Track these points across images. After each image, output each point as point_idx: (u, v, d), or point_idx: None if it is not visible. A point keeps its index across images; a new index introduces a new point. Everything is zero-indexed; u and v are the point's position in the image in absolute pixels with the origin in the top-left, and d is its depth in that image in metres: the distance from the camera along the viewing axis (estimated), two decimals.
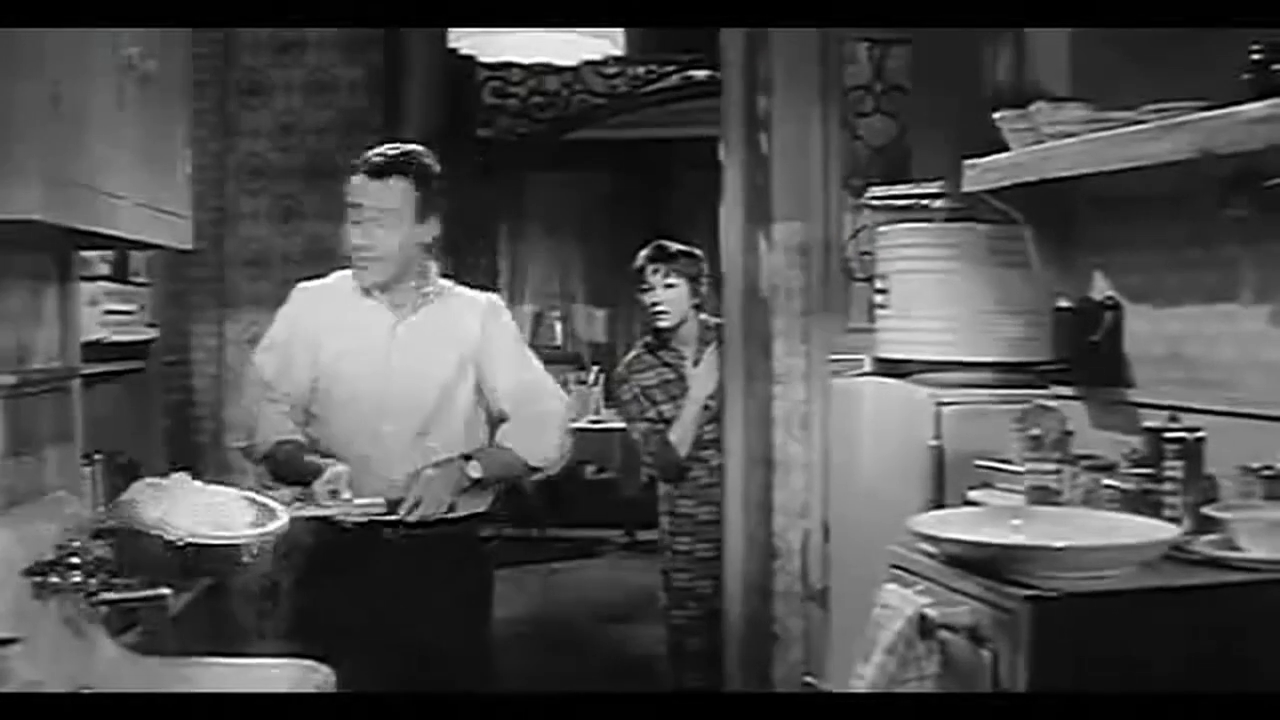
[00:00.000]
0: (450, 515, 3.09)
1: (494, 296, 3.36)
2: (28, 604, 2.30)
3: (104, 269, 3.67)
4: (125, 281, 3.88)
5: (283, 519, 2.71)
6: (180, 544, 2.57)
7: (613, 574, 8.25)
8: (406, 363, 3.14)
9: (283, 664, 2.64)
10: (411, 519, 3.00)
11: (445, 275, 3.33)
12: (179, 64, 2.68)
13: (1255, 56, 2.37)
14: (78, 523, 2.59)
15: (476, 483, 3.10)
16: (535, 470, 3.29)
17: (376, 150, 3.16)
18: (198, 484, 2.68)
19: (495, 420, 3.25)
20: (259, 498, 2.76)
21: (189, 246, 2.77)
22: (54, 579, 2.35)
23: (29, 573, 2.31)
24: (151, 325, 4.16)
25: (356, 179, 3.12)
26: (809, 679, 4.40)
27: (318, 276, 3.33)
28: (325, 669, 2.59)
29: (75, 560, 2.39)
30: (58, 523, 2.49)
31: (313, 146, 4.67)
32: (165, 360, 4.44)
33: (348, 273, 3.23)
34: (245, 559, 2.65)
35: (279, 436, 3.14)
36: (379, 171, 3.10)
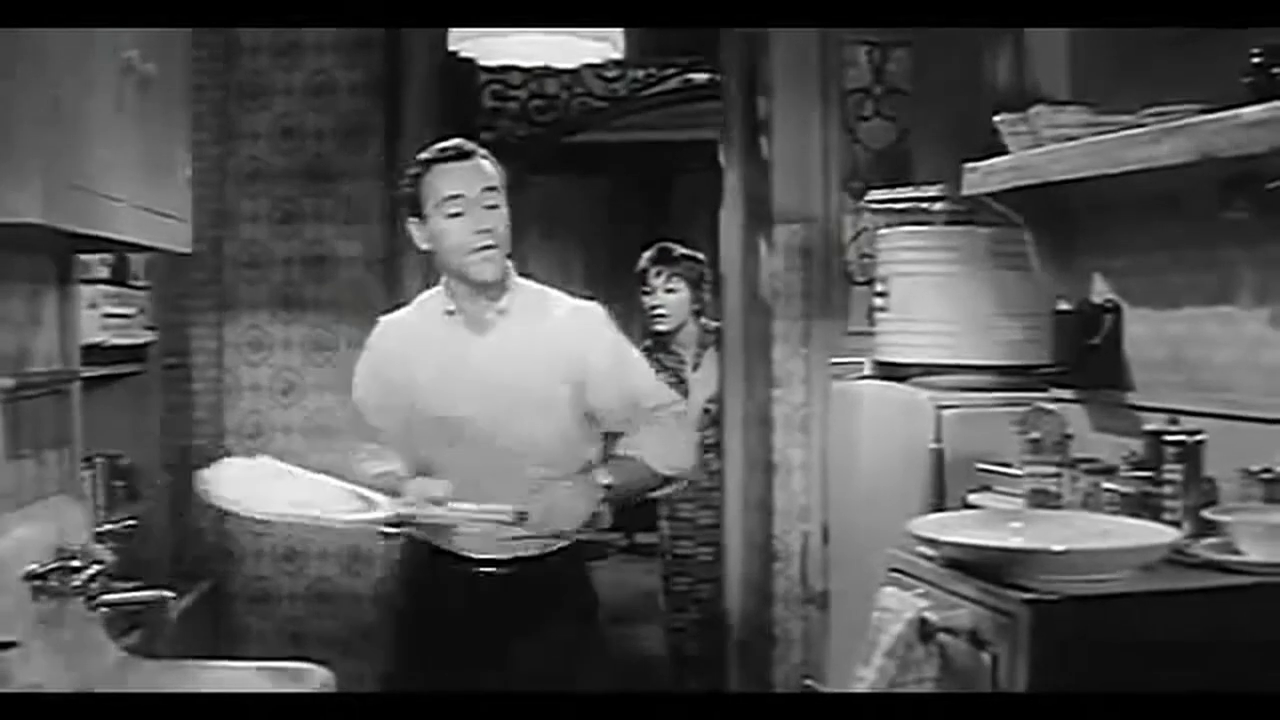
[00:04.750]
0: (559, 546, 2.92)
1: (591, 305, 3.08)
2: (28, 607, 2.29)
3: (103, 272, 3.66)
4: (125, 284, 3.87)
5: (384, 512, 2.63)
6: (258, 519, 2.53)
7: (613, 577, 8.22)
8: (491, 384, 2.89)
9: (282, 667, 2.64)
10: (544, 533, 2.75)
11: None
12: (179, 67, 2.68)
13: (1255, 60, 2.37)
14: (78, 526, 2.60)
15: (608, 493, 2.84)
16: (668, 480, 3.02)
17: (440, 145, 2.95)
18: (286, 467, 2.63)
19: (607, 436, 3.02)
20: (360, 489, 2.68)
21: (188, 249, 2.77)
22: (54, 583, 2.35)
23: (29, 576, 2.31)
24: (151, 328, 4.16)
25: (438, 172, 2.89)
26: (808, 682, 4.40)
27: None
28: (325, 671, 2.59)
29: (76, 564, 2.39)
30: (58, 526, 2.49)
31: (312, 149, 4.67)
32: (165, 363, 4.43)
33: (427, 295, 3.05)
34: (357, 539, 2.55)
35: (376, 469, 2.90)
36: (464, 153, 2.91)
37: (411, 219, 2.96)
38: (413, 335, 3.01)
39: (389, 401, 2.99)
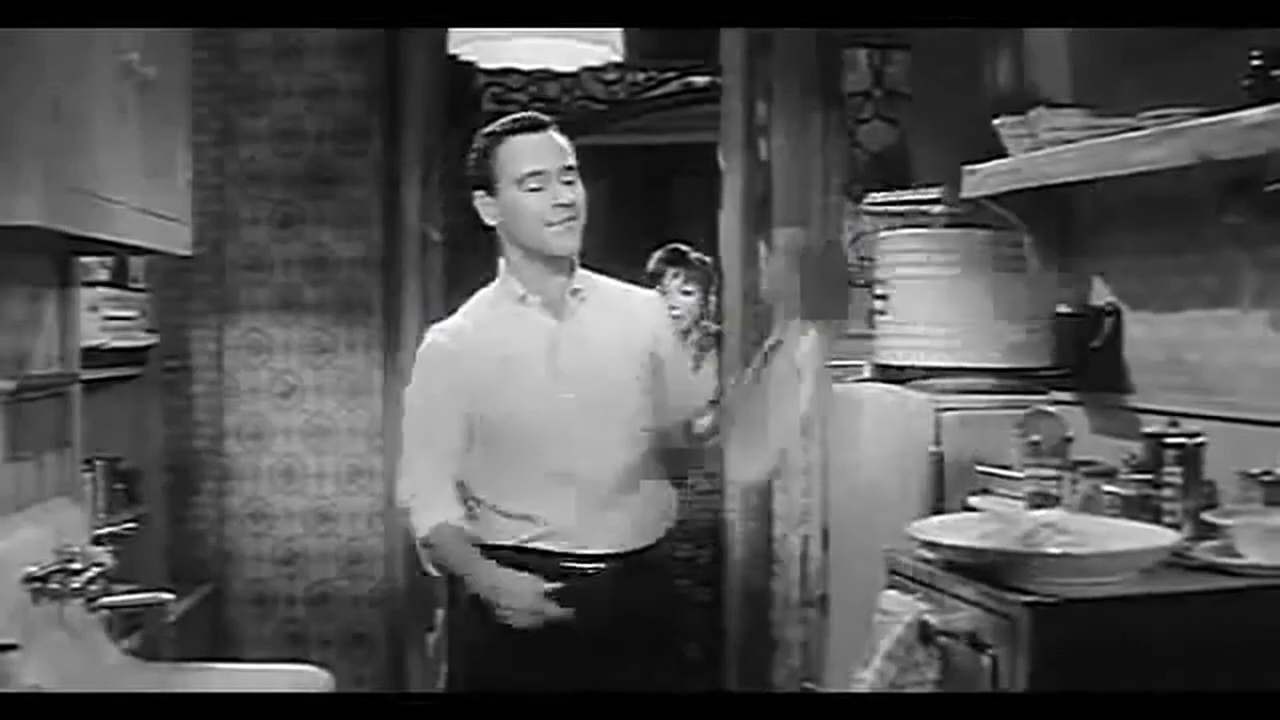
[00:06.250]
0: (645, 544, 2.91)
1: (656, 295, 3.20)
2: (28, 609, 2.29)
3: (104, 274, 3.67)
4: (125, 287, 3.88)
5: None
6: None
7: None
8: (579, 373, 2.80)
9: (282, 669, 2.64)
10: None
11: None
12: (179, 69, 2.69)
13: (1255, 62, 2.37)
14: (77, 528, 2.60)
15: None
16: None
17: (511, 117, 2.86)
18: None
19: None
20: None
21: (188, 252, 2.77)
22: (54, 585, 2.35)
23: (29, 579, 2.31)
24: (151, 331, 4.17)
25: (513, 145, 2.79)
26: (808, 685, 4.39)
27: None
28: (324, 674, 2.59)
29: (75, 566, 2.39)
30: (57, 528, 2.49)
31: (312, 152, 4.67)
32: (164, 366, 4.44)
33: (480, 298, 2.91)
34: None
35: (444, 520, 2.74)
36: (538, 124, 2.82)
37: (479, 193, 2.84)
38: (482, 335, 2.84)
39: (465, 407, 2.79)
